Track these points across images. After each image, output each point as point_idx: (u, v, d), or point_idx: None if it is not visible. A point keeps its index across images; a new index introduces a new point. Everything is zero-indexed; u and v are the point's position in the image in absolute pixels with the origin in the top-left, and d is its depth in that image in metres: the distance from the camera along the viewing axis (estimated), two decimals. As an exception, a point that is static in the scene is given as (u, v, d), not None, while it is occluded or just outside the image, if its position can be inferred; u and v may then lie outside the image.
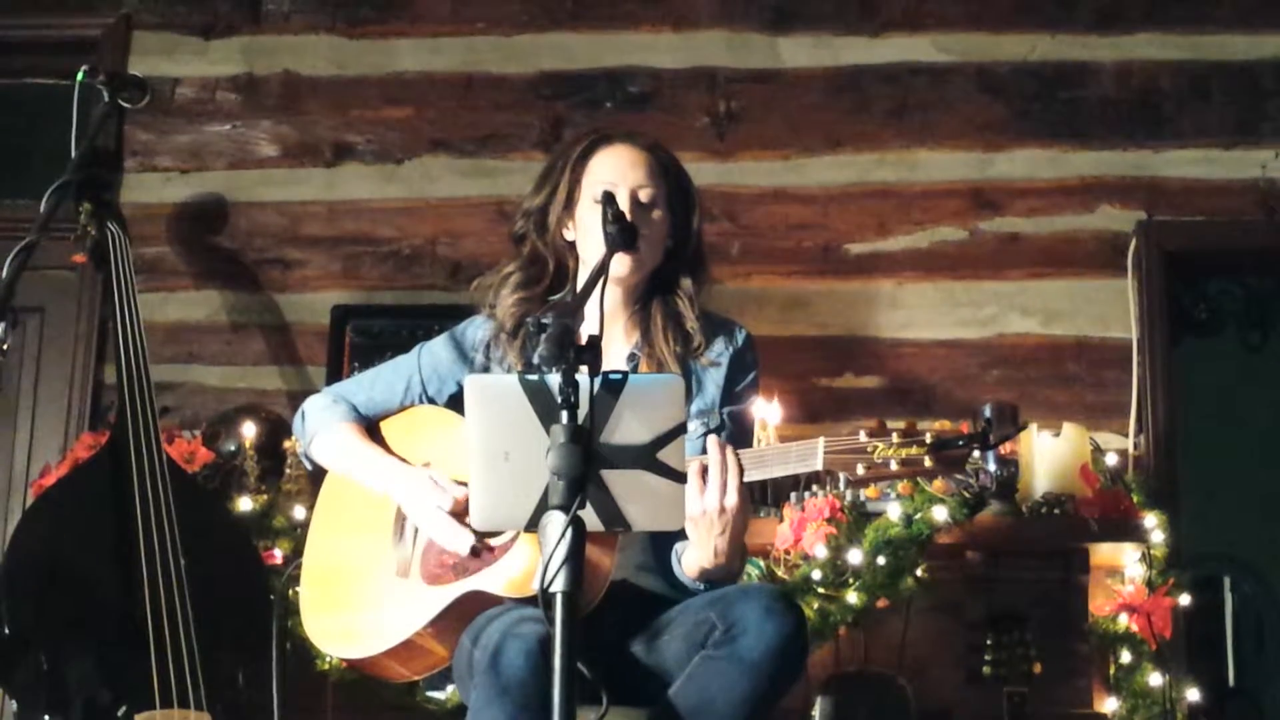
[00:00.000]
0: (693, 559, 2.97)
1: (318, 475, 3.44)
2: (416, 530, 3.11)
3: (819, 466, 2.79)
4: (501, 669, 2.71)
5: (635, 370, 3.17)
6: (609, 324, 3.20)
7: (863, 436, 2.75)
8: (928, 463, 2.73)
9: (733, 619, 2.82)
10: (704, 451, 3.05)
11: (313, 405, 3.37)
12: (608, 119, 5.11)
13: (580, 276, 3.22)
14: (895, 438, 2.74)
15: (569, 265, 3.28)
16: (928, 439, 2.72)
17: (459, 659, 2.96)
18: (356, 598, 3.15)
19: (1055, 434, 4.48)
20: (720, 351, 3.23)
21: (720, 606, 2.87)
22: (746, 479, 2.84)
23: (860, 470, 2.75)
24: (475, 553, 3.00)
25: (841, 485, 4.23)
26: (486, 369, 3.23)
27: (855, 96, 5.20)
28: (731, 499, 2.83)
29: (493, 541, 3.01)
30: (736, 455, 2.84)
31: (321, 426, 3.31)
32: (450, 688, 3.37)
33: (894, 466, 2.74)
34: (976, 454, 2.76)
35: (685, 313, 3.22)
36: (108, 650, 3.73)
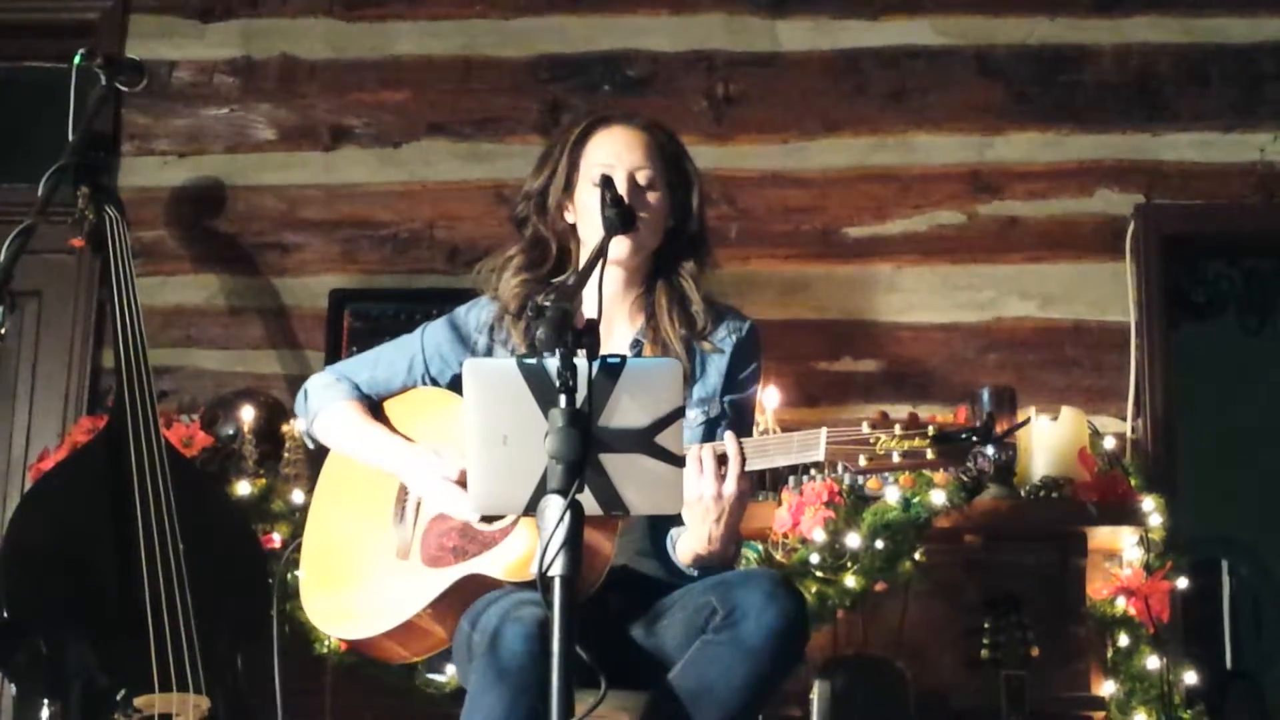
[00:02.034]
0: (687, 544, 2.97)
1: (317, 456, 3.45)
2: (417, 511, 3.11)
3: (821, 457, 2.79)
4: (500, 653, 2.71)
5: (639, 355, 3.17)
6: (613, 309, 3.20)
7: (865, 428, 2.75)
8: (930, 455, 2.73)
9: (733, 603, 2.82)
10: (704, 439, 3.05)
11: (315, 383, 3.37)
12: (606, 102, 5.10)
13: (581, 259, 3.21)
14: (898, 429, 2.74)
15: (571, 248, 3.27)
16: (930, 431, 2.72)
17: (458, 642, 2.97)
18: (356, 578, 3.15)
19: (1053, 418, 4.49)
20: (724, 338, 3.22)
21: (721, 591, 2.87)
22: (748, 468, 2.84)
23: (862, 461, 2.75)
24: (486, 520, 3.00)
25: (839, 469, 4.24)
26: (490, 351, 3.23)
27: (854, 80, 5.19)
28: (730, 486, 2.83)
29: (494, 525, 3.01)
30: (739, 443, 2.84)
31: (324, 404, 3.31)
32: (450, 670, 3.37)
33: (896, 458, 2.74)
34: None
35: (690, 295, 3.21)
36: (106, 634, 3.73)
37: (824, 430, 2.79)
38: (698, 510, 2.85)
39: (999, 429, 2.79)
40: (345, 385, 3.32)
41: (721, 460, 2.83)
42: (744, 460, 2.84)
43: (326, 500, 3.33)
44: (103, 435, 4.00)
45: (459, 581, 2.99)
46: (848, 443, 2.77)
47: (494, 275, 3.29)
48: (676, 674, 2.86)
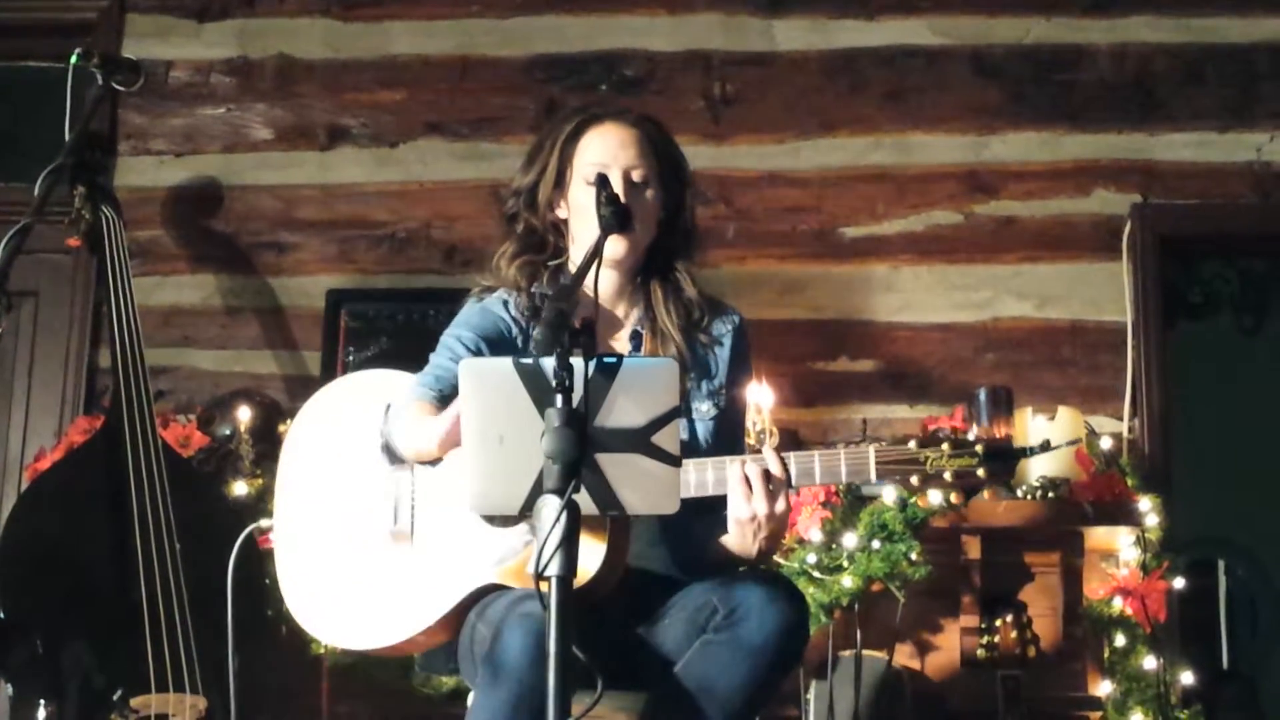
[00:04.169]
0: (729, 554, 2.98)
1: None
2: (413, 515, 3.07)
3: (872, 478, 2.80)
4: (501, 652, 2.71)
5: (639, 347, 3.17)
6: (611, 305, 3.20)
7: (913, 446, 2.76)
8: (981, 473, 2.73)
9: (734, 603, 2.82)
10: (716, 432, 3.06)
11: (395, 405, 3.12)
12: (597, 99, 5.09)
13: (573, 255, 3.19)
14: (946, 447, 2.74)
15: (562, 245, 3.26)
16: (980, 449, 2.73)
17: (464, 635, 2.95)
18: (356, 588, 3.08)
19: (1050, 418, 4.48)
20: (722, 332, 3.23)
21: (722, 591, 2.87)
22: (794, 484, 2.86)
23: (914, 480, 2.76)
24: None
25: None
26: (527, 333, 3.13)
27: (850, 79, 5.19)
28: (780, 504, 2.84)
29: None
30: (782, 461, 2.85)
31: (399, 422, 3.08)
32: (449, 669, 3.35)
33: (948, 476, 2.74)
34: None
35: (685, 285, 3.21)
36: (103, 634, 3.74)
37: (872, 449, 2.80)
38: (749, 530, 2.86)
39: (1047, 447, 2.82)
40: (415, 401, 3.08)
41: (768, 477, 2.84)
42: (789, 477, 2.85)
43: (299, 501, 3.21)
44: (99, 435, 4.01)
45: (471, 593, 2.97)
46: (898, 462, 2.78)
47: (494, 270, 3.25)
48: (676, 673, 2.87)
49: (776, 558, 4.16)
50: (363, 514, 3.12)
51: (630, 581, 3.01)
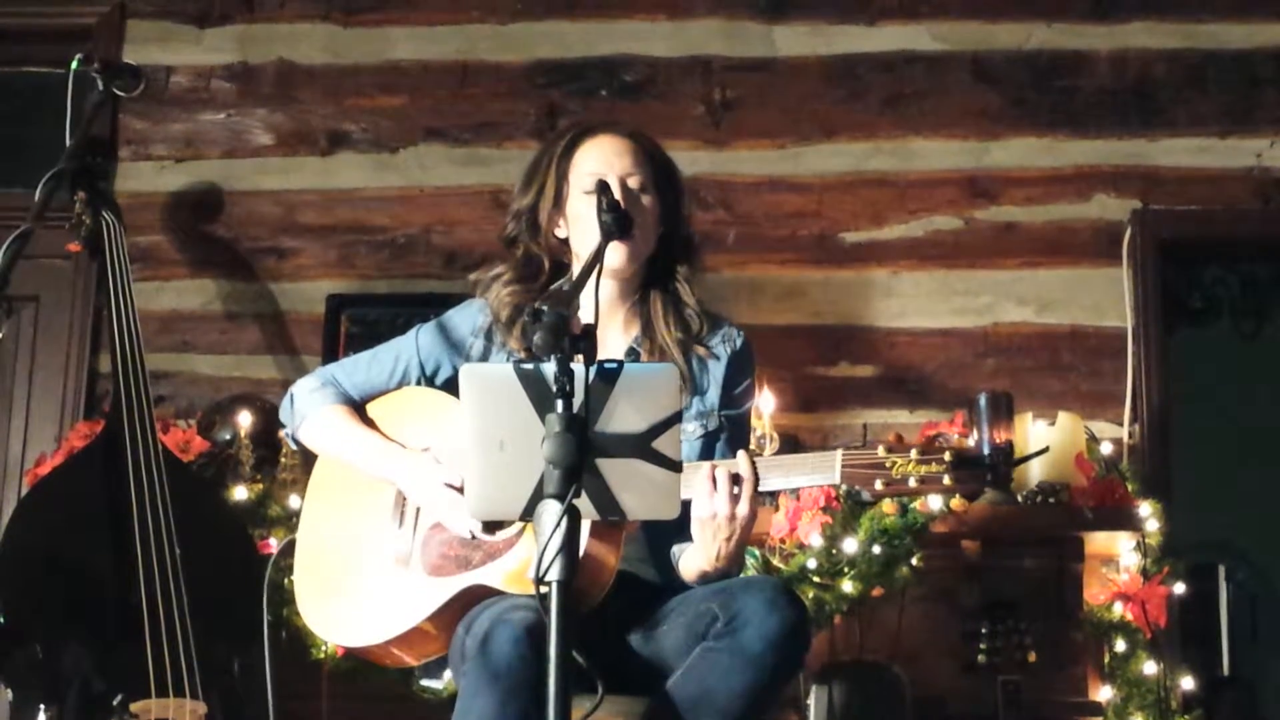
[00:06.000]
0: (694, 561, 2.97)
1: (314, 462, 3.43)
2: (417, 518, 3.10)
3: (836, 480, 2.78)
4: (490, 655, 2.70)
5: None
6: (608, 318, 3.20)
7: (881, 451, 2.74)
8: (947, 480, 2.71)
9: (735, 610, 2.81)
10: (703, 453, 3.05)
11: (301, 388, 3.32)
12: (603, 107, 5.11)
13: (576, 269, 3.20)
14: (914, 454, 2.72)
15: (564, 263, 3.26)
16: (947, 456, 2.71)
17: (453, 646, 2.96)
18: (355, 585, 3.13)
19: (1050, 423, 4.48)
20: (719, 345, 3.22)
21: (723, 598, 2.86)
22: (761, 488, 2.84)
23: (879, 485, 2.74)
24: (488, 529, 2.99)
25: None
26: (485, 354, 3.22)
27: (851, 85, 5.19)
28: (744, 507, 2.82)
29: (498, 535, 3.00)
30: (753, 464, 2.84)
31: (311, 408, 3.27)
32: (446, 676, 3.37)
33: (912, 483, 2.72)
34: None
35: (685, 298, 3.22)
36: (103, 639, 3.73)
37: (839, 452, 2.78)
38: (709, 529, 2.85)
39: (1016, 454, 2.79)
40: (332, 390, 3.29)
41: (735, 480, 2.83)
42: (757, 481, 2.84)
43: (320, 504, 3.30)
44: (100, 440, 4.00)
45: (461, 592, 2.98)
46: (863, 466, 2.75)
47: (481, 286, 3.28)
48: (676, 681, 2.86)
49: (776, 562, 4.16)
50: (371, 516, 3.17)
51: (627, 588, 3.02)
